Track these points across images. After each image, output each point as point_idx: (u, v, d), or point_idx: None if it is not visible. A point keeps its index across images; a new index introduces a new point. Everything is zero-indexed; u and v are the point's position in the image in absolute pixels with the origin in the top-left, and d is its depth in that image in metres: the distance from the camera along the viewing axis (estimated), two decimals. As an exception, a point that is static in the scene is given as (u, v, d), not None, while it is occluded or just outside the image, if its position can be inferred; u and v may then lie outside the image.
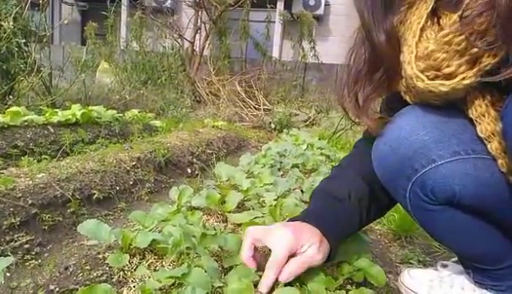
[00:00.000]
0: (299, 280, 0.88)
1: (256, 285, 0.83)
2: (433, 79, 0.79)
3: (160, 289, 0.73)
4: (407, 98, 0.92)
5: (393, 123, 0.93)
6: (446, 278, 1.20)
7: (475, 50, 0.73)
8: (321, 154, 2.61)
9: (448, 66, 0.76)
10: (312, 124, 5.45)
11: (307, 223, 0.96)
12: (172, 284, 0.75)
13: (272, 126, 5.10)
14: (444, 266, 1.26)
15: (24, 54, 3.72)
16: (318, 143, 3.01)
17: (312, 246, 0.90)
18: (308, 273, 0.89)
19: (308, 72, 6.93)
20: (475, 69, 0.75)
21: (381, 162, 0.97)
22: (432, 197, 0.87)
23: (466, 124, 0.84)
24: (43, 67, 4.16)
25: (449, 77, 0.77)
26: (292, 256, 0.89)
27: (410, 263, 1.55)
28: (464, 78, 0.75)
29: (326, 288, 0.84)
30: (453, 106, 0.85)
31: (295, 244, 0.88)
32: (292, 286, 0.84)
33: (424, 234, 1.85)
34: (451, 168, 0.82)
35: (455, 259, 1.27)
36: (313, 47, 7.08)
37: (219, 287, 0.78)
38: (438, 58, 0.77)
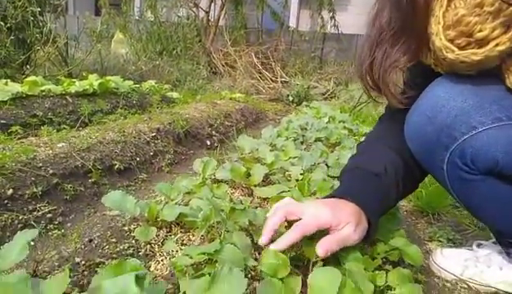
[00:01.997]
0: (336, 259, 0.83)
1: (293, 260, 0.79)
2: (464, 47, 0.74)
3: (192, 265, 0.69)
4: (439, 69, 0.86)
5: (428, 92, 0.88)
6: (482, 257, 1.15)
7: (510, 10, 0.67)
8: (344, 128, 2.52)
9: (481, 30, 0.71)
10: (331, 97, 5.31)
11: (345, 200, 0.89)
12: (204, 261, 0.71)
13: (290, 98, 4.98)
14: (480, 246, 1.20)
15: (40, 23, 3.67)
16: (340, 116, 2.91)
17: (348, 224, 0.83)
18: (345, 252, 0.84)
19: (327, 43, 6.70)
20: (510, 34, 0.69)
21: (416, 134, 0.91)
22: (472, 166, 0.81)
23: (506, 91, 0.79)
24: (59, 37, 4.11)
25: (481, 43, 0.72)
26: (326, 233, 0.82)
27: (440, 241, 1.49)
28: (498, 44, 0.70)
29: (365, 268, 0.79)
30: (490, 74, 0.79)
31: (331, 220, 0.82)
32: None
33: (452, 212, 1.77)
34: (493, 135, 0.77)
35: (493, 240, 1.21)
36: (333, 17, 6.79)
37: (255, 265, 0.73)
38: (470, 22, 0.72)
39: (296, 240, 0.79)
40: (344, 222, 0.83)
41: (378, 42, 0.89)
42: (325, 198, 0.97)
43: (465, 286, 1.12)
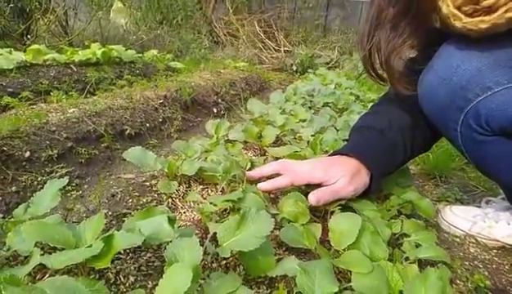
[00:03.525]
0: (352, 211, 0.85)
1: (311, 211, 0.81)
2: (471, 15, 0.72)
3: (216, 212, 0.71)
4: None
5: (442, 52, 0.86)
6: (490, 214, 1.17)
7: None
8: (351, 94, 2.51)
9: None
10: (335, 66, 5.24)
11: (347, 156, 0.93)
12: (227, 209, 0.74)
13: (294, 68, 4.93)
14: (488, 203, 1.23)
15: (38, -10, 3.58)
16: (346, 83, 2.89)
17: (342, 178, 0.87)
18: (360, 204, 0.87)
19: (331, 10, 6.52)
20: None
21: (430, 95, 0.90)
22: (486, 127, 0.81)
23: None
24: (58, 6, 4.02)
25: (489, 10, 0.70)
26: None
27: (447, 201, 1.52)
28: (507, 11, 0.68)
29: (381, 217, 0.82)
30: (503, 34, 0.76)
31: (323, 177, 0.87)
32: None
33: (459, 174, 1.80)
34: (509, 95, 0.75)
35: (502, 196, 1.23)
36: (337, -18, 6.59)
37: (275, 214, 0.76)
38: None
39: (284, 185, 0.86)
40: (337, 177, 0.87)
41: (376, 25, 0.85)
42: (329, 155, 1.01)
43: (473, 241, 1.15)
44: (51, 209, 0.66)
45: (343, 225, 0.67)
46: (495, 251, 1.12)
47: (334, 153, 0.99)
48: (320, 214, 0.87)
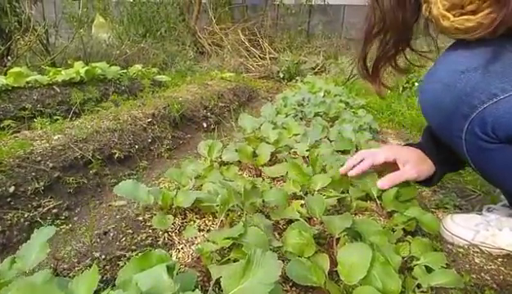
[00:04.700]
0: (357, 233, 0.82)
1: (315, 238, 0.78)
2: (458, 17, 0.75)
3: (217, 251, 0.67)
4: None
5: (445, 56, 0.85)
6: (493, 221, 1.16)
7: None
8: (341, 101, 2.50)
9: (471, 2, 0.72)
10: (321, 71, 5.25)
11: (416, 148, 1.09)
12: (229, 245, 0.70)
13: (281, 75, 4.91)
14: (490, 210, 1.21)
15: (17, 10, 3.50)
16: (334, 90, 2.88)
17: (409, 162, 1.05)
18: (364, 224, 0.84)
19: (314, 15, 6.56)
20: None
21: (433, 102, 0.89)
22: (492, 135, 0.80)
23: None
24: (38, 24, 3.93)
25: (474, 13, 0.72)
26: None
27: (446, 208, 1.50)
28: (490, 12, 0.69)
29: (388, 241, 0.79)
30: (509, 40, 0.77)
31: (394, 156, 1.06)
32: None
33: (455, 178, 1.79)
34: None
35: (503, 203, 1.22)
36: (318, -12, 6.64)
37: (279, 246, 0.72)
38: None
39: (367, 166, 1.05)
40: (406, 159, 1.05)
41: (368, 38, 0.97)
42: (403, 145, 1.18)
43: (478, 250, 1.13)
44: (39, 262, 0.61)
45: (352, 258, 0.63)
46: (500, 259, 1.10)
47: (408, 144, 1.16)
48: (324, 241, 0.83)
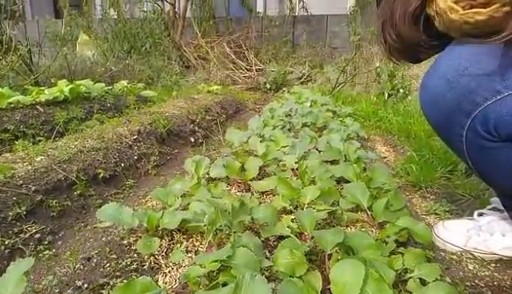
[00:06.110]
0: (348, 247, 0.80)
1: (307, 255, 0.75)
2: (468, 10, 0.71)
3: (205, 275, 0.64)
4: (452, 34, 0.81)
5: (449, 52, 0.83)
6: (484, 226, 1.15)
7: None
8: (328, 110, 2.50)
9: None
10: (308, 81, 5.28)
11: None
12: (218, 268, 0.67)
13: (267, 86, 4.92)
14: (481, 215, 1.21)
15: (-1, 30, 3.45)
16: (321, 99, 2.89)
17: None
18: (357, 236, 0.82)
19: (297, 26, 6.63)
20: None
21: (435, 98, 0.86)
22: (494, 133, 0.78)
23: None
24: (20, 44, 3.88)
25: (485, 5, 0.69)
26: None
27: (437, 214, 1.50)
28: (504, 5, 0.67)
29: (381, 254, 0.77)
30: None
31: None
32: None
33: (444, 183, 1.79)
34: None
35: (492, 206, 1.22)
36: (301, -1, 6.74)
37: (270, 266, 0.70)
38: None
39: None
40: None
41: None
42: None
43: (470, 256, 1.12)
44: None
45: (345, 276, 0.61)
46: (493, 265, 1.09)
47: None
48: (316, 257, 0.81)
